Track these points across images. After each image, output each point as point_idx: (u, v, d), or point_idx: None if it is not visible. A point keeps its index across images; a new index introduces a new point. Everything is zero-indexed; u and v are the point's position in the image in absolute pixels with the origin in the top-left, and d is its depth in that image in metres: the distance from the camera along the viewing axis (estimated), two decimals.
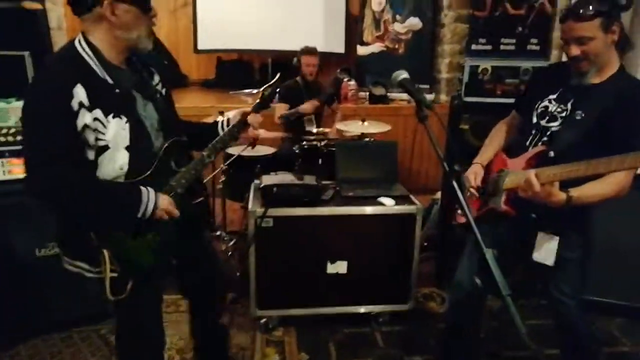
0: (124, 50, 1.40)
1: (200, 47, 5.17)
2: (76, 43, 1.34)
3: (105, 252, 1.37)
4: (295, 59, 3.69)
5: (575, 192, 1.52)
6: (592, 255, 2.35)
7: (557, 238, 1.71)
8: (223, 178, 3.26)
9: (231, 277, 2.87)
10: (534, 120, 1.77)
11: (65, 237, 1.47)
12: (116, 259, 1.39)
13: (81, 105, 1.27)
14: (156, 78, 1.57)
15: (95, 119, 1.30)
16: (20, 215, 2.23)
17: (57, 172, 1.27)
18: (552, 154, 1.66)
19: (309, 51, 3.65)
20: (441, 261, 2.99)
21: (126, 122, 1.36)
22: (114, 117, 1.33)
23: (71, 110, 1.26)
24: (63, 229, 1.46)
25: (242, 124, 1.69)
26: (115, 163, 1.36)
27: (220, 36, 5.13)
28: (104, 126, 1.31)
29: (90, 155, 1.32)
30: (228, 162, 3.15)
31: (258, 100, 1.75)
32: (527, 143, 1.77)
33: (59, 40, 3.82)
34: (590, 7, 1.51)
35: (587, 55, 1.57)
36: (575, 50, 1.57)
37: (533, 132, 1.76)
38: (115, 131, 1.34)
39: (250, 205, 2.36)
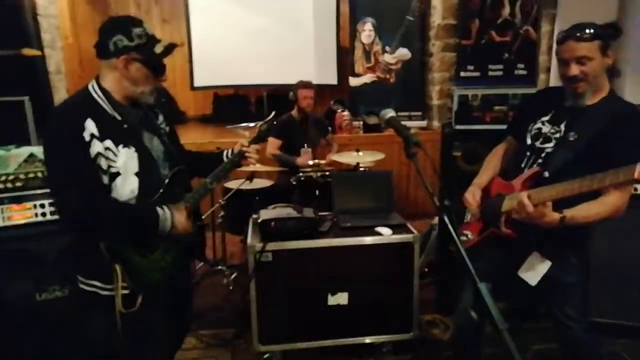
0: (127, 97, 1.59)
1: (196, 84, 5.29)
2: (89, 86, 1.55)
3: (118, 268, 1.52)
4: (291, 93, 3.75)
5: (569, 212, 1.55)
6: (594, 276, 2.35)
7: (550, 263, 1.73)
8: (222, 212, 3.28)
9: (233, 312, 2.87)
10: (528, 142, 1.80)
11: (81, 259, 1.62)
12: (127, 275, 1.53)
13: (92, 136, 1.45)
14: (160, 118, 1.76)
15: (107, 148, 1.48)
16: (19, 260, 2.23)
17: (80, 195, 1.44)
18: (546, 174, 1.69)
19: (305, 85, 3.69)
20: (442, 287, 2.99)
21: (135, 152, 1.54)
22: (123, 147, 1.51)
23: (84, 141, 1.44)
24: (79, 251, 1.62)
25: (240, 154, 1.84)
26: (126, 188, 1.52)
27: (216, 72, 5.25)
28: (115, 155, 1.49)
29: (105, 180, 1.49)
30: (227, 196, 3.20)
31: (255, 135, 1.92)
32: (522, 165, 1.80)
33: (58, 85, 3.92)
34: (590, 30, 1.58)
35: (587, 75, 1.61)
36: (575, 70, 1.61)
37: (528, 153, 1.79)
38: (125, 159, 1.51)
39: (249, 240, 2.37)
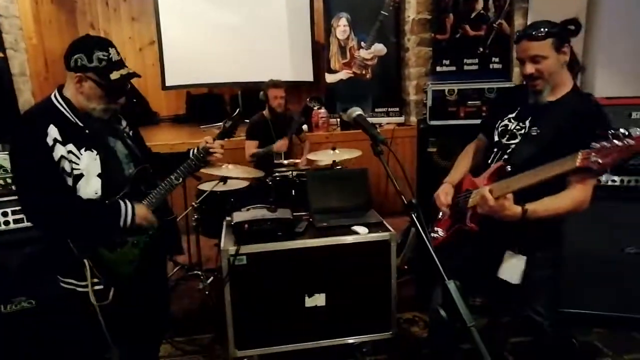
0: (82, 109, 1.66)
1: (168, 83, 5.16)
2: (52, 96, 1.65)
3: (87, 262, 1.61)
4: (261, 93, 3.70)
5: (531, 205, 1.58)
6: (567, 268, 2.38)
7: (525, 258, 1.74)
8: (196, 215, 3.21)
9: (209, 317, 2.81)
10: (496, 139, 1.84)
11: (56, 259, 1.70)
12: (97, 268, 1.63)
13: (55, 140, 1.54)
14: (124, 123, 1.84)
15: (70, 151, 1.57)
16: None
17: (43, 196, 1.55)
18: (509, 168, 1.72)
19: (275, 84, 3.64)
20: (421, 284, 2.98)
21: (97, 154, 1.62)
22: (85, 150, 1.60)
23: (47, 145, 1.53)
24: (53, 252, 1.69)
25: (205, 150, 1.87)
26: (90, 188, 1.60)
27: (188, 71, 5.15)
28: (78, 158, 1.58)
29: (69, 181, 1.58)
30: (200, 198, 3.12)
31: (219, 131, 1.95)
32: (489, 161, 1.83)
33: (22, 87, 3.78)
34: (542, 29, 1.62)
35: (542, 73, 1.65)
36: (530, 69, 1.66)
37: (495, 150, 1.83)
38: (88, 162, 1.60)
39: (222, 244, 2.32)
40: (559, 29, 1.64)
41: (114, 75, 1.61)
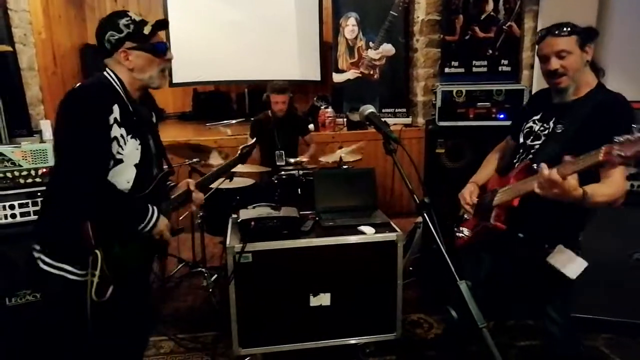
0: (139, 88, 1.64)
1: (175, 80, 5.15)
2: (106, 75, 1.58)
3: (99, 254, 1.50)
4: (264, 95, 3.66)
5: (588, 189, 1.48)
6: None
7: (560, 246, 1.71)
8: (201, 213, 3.20)
9: (213, 315, 2.80)
10: (521, 140, 1.86)
11: (56, 239, 1.55)
12: (106, 261, 1.52)
13: (115, 120, 1.50)
14: (154, 119, 1.80)
15: (121, 135, 1.53)
16: None
17: (89, 179, 1.46)
18: (535, 166, 1.70)
19: (277, 90, 3.54)
20: (426, 286, 2.96)
21: (139, 144, 1.60)
22: (132, 137, 1.57)
23: (108, 123, 1.48)
24: (56, 231, 1.55)
25: (186, 194, 1.83)
26: (124, 176, 1.57)
27: (195, 69, 5.14)
28: (124, 143, 1.54)
29: (110, 164, 1.53)
30: (206, 196, 3.10)
31: (237, 156, 2.06)
32: (515, 161, 1.85)
33: (31, 82, 3.79)
34: (566, 27, 1.65)
35: (566, 69, 1.65)
36: (555, 64, 1.66)
37: (520, 151, 1.85)
38: (131, 149, 1.57)
39: (228, 241, 2.31)
40: (582, 28, 1.66)
41: (147, 30, 1.57)
